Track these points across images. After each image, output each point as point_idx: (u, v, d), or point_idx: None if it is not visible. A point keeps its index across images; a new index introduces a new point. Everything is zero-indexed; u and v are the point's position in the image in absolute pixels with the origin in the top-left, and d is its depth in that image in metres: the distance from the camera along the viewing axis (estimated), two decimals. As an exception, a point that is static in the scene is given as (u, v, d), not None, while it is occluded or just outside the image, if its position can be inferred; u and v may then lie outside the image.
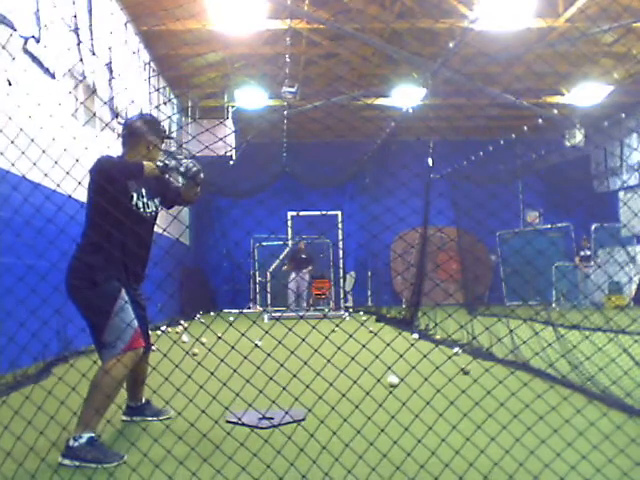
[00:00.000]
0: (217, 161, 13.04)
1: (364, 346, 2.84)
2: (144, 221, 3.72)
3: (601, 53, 13.03)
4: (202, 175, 3.57)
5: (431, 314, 8.53)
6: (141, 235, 3.61)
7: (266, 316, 12.70)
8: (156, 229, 3.81)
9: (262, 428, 3.68)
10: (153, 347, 4.06)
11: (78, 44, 8.02)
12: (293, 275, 15.85)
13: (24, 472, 2.85)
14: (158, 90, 12.98)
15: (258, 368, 2.88)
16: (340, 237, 17.08)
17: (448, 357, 3.31)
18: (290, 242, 16.89)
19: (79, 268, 3.45)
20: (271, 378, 2.86)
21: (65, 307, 3.55)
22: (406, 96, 13.92)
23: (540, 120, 13.66)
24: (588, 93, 13.99)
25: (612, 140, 16.82)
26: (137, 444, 3.11)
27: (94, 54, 8.74)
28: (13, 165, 3.55)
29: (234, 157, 15.40)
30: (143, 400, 4.19)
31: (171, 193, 3.95)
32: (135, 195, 3.66)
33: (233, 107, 15.19)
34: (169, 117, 13.10)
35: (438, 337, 8.08)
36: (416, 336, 8.20)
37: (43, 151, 3.30)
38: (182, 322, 11.29)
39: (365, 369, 2.85)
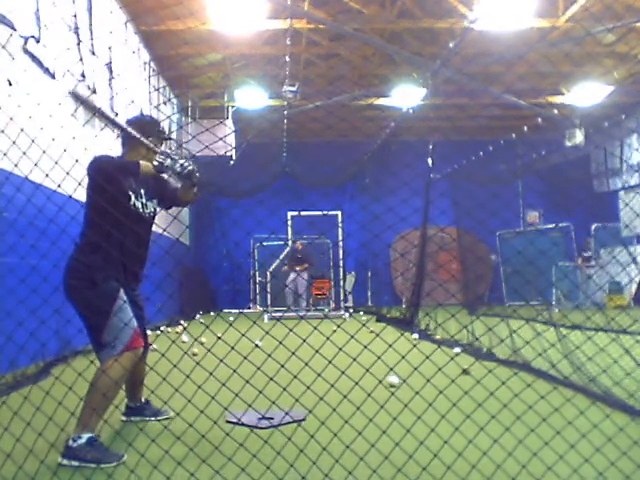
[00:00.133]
0: (217, 161, 13.03)
1: (366, 347, 2.82)
2: (143, 221, 3.71)
3: (602, 53, 13.01)
4: (198, 175, 3.56)
5: (431, 314, 8.52)
6: (140, 235, 3.60)
7: (266, 316, 12.68)
8: (156, 229, 3.80)
9: (262, 428, 3.67)
10: (152, 346, 4.04)
11: (78, 44, 8.00)
12: (292, 275, 15.84)
13: (23, 474, 2.83)
14: (158, 90, 12.96)
15: (258, 369, 2.86)
16: (340, 237, 17.06)
17: (451, 358, 3.29)
18: (290, 242, 16.88)
19: (77, 268, 3.43)
20: (271, 379, 2.84)
21: (65, 306, 3.53)
22: (406, 96, 13.90)
23: (540, 120, 13.64)
24: (588, 93, 13.98)
25: (612, 140, 16.81)
26: (135, 445, 3.09)
27: (94, 54, 8.72)
28: (16, 166, 3.54)
29: (234, 157, 15.38)
30: (142, 400, 4.18)
31: (169, 194, 3.94)
32: (133, 195, 3.65)
33: (233, 107, 15.17)
34: (168, 117, 13.08)
35: (438, 337, 8.07)
36: (416, 336, 8.19)
37: (44, 151, 3.28)
38: (182, 322, 11.28)
39: (367, 370, 2.83)
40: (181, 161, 3.47)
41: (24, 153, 3.25)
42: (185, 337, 7.92)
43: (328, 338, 2.83)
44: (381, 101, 14.61)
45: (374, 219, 4.02)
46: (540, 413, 2.98)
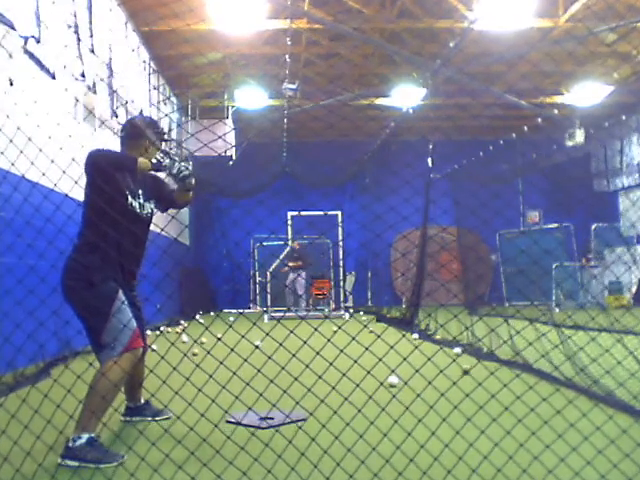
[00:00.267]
0: (217, 161, 13.00)
1: (367, 348, 2.79)
2: (140, 221, 3.68)
3: (602, 53, 12.98)
4: (193, 181, 3.54)
5: (432, 314, 8.49)
6: (137, 235, 3.57)
7: (266, 316, 12.66)
8: (156, 229, 3.77)
9: (263, 428, 3.64)
10: (152, 347, 4.02)
11: (78, 43, 7.97)
12: (291, 276, 15.82)
13: (21, 477, 2.80)
14: (157, 89, 12.92)
15: (259, 371, 2.83)
16: (340, 237, 17.03)
17: (453, 360, 3.26)
18: (290, 242, 16.86)
19: (75, 268, 3.40)
20: (272, 381, 2.81)
21: (63, 307, 3.50)
22: (406, 96, 13.89)
23: (540, 120, 13.62)
24: (588, 93, 13.95)
25: (613, 140, 16.79)
26: (135, 448, 3.07)
27: (93, 52, 8.69)
28: (13, 165, 3.51)
29: (234, 157, 15.35)
30: (142, 400, 4.15)
31: (166, 195, 3.91)
32: (130, 195, 3.62)
33: (233, 107, 15.15)
34: (167, 115, 13.05)
35: (438, 337, 8.04)
36: (416, 336, 8.17)
37: (40, 150, 3.26)
38: (182, 322, 11.25)
39: (368, 372, 2.81)
40: (178, 164, 3.45)
41: (21, 152, 3.23)
42: (185, 337, 7.89)
43: (329, 340, 2.80)
44: (381, 101, 14.59)
45: (375, 219, 4.00)
46: (542, 415, 2.95)
